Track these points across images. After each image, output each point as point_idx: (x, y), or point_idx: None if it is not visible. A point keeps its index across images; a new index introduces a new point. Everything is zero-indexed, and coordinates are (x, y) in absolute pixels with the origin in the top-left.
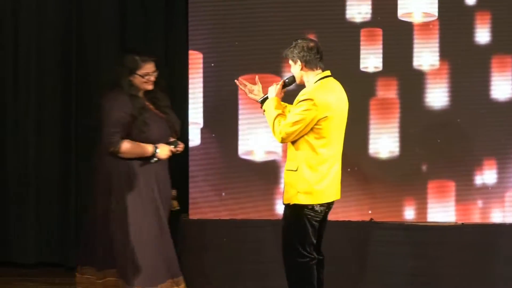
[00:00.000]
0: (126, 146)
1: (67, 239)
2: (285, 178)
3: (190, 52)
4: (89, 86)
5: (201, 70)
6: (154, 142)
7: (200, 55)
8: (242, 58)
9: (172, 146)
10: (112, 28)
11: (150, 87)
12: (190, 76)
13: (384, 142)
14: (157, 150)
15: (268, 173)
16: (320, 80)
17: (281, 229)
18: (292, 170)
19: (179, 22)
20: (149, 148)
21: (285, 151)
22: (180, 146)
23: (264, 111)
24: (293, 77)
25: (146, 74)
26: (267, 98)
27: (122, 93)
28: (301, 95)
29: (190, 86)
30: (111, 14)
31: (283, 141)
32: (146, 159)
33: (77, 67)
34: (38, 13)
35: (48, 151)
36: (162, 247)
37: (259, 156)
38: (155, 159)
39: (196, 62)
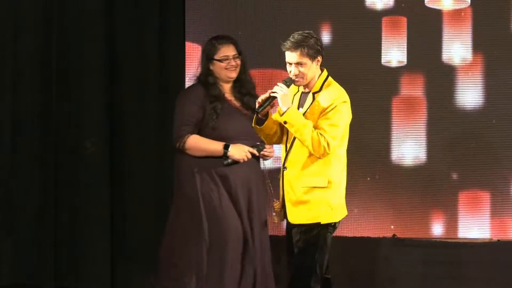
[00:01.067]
0: (191, 141)
1: (44, 260)
2: (307, 195)
3: (187, 44)
4: (72, 83)
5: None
6: (230, 140)
7: (199, 48)
8: (247, 51)
9: (255, 149)
10: (99, 14)
11: (233, 74)
12: (187, 71)
13: (409, 147)
14: (229, 149)
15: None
16: (328, 78)
17: (297, 251)
18: (321, 187)
19: (174, 10)
20: (218, 145)
21: None
22: (268, 151)
23: (285, 123)
24: (291, 79)
25: (225, 58)
26: (267, 106)
27: (199, 84)
28: (335, 99)
29: (187, 83)
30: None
31: (326, 155)
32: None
33: (57, 60)
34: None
35: (24, 167)
36: (230, 262)
37: (266, 162)
38: (228, 160)
39: (193, 56)
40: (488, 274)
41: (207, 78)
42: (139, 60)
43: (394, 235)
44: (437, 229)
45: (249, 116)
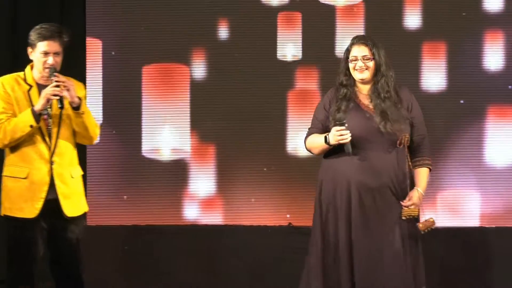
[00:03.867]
0: (308, 140)
1: None
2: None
3: (88, 39)
4: None
5: (101, 60)
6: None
7: (100, 42)
8: (147, 46)
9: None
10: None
11: (359, 75)
12: (87, 66)
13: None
14: (328, 140)
15: (175, 173)
16: None
17: (75, 243)
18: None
19: (75, 4)
20: (322, 137)
21: (195, 149)
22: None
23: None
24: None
25: (354, 59)
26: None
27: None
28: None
29: (88, 77)
30: None
31: None
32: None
33: None
34: None
35: None
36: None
37: (165, 154)
38: (349, 149)
39: (94, 50)
40: None
41: (341, 77)
42: None
43: (289, 223)
44: None
45: (369, 118)
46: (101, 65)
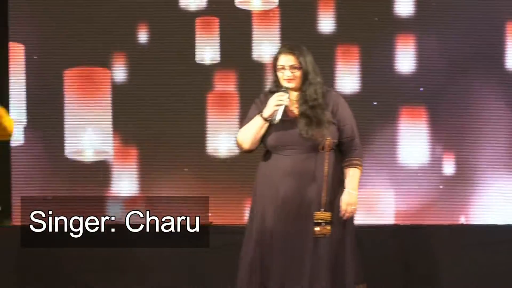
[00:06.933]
0: (239, 132)
1: None
2: None
3: (11, 44)
4: None
5: (24, 64)
6: (273, 148)
7: (22, 47)
8: (68, 49)
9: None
10: None
11: (285, 84)
12: (10, 70)
13: (223, 139)
14: (264, 113)
15: (98, 174)
16: None
17: None
18: None
19: None
20: (256, 117)
21: (117, 150)
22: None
23: None
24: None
25: (281, 68)
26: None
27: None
28: None
29: (11, 81)
30: None
31: None
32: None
33: None
34: None
35: None
36: None
37: (88, 156)
38: (274, 118)
39: (17, 55)
40: None
41: (273, 84)
42: None
43: (211, 222)
44: None
45: (292, 122)
46: (24, 70)
